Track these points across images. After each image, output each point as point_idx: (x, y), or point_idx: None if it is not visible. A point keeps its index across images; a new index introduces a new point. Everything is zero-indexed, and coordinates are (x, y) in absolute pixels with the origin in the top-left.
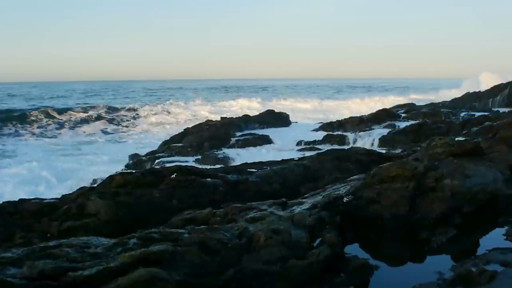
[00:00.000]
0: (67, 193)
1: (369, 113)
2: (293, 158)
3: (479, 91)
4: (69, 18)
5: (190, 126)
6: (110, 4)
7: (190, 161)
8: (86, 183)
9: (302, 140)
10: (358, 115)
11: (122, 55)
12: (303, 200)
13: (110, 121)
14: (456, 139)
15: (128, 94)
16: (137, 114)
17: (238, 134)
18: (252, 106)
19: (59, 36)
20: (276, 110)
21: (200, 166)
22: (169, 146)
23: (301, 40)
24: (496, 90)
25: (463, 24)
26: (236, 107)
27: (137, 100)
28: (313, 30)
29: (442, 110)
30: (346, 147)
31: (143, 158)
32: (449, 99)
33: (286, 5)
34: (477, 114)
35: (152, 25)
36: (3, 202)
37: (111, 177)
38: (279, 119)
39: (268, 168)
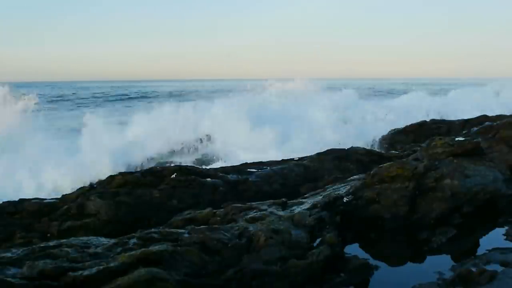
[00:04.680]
0: (67, 193)
1: None
2: (293, 158)
3: None
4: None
5: None
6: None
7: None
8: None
9: None
10: None
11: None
12: (303, 200)
13: None
14: (456, 139)
15: None
16: None
17: None
18: None
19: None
20: None
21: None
22: None
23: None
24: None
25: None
26: None
27: None
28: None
29: None
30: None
31: None
32: None
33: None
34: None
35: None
36: (3, 202)
37: (111, 177)
38: None
39: (268, 168)
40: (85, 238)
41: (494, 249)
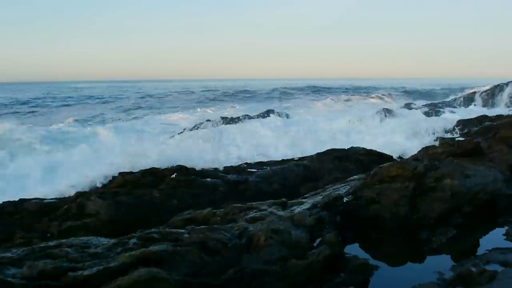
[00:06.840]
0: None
1: None
2: (293, 158)
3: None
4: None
5: None
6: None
7: None
8: None
9: None
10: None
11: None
12: (303, 200)
13: None
14: (456, 139)
15: None
16: None
17: None
18: None
19: None
20: None
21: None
22: None
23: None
24: (495, 89)
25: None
26: None
27: None
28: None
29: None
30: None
31: None
32: None
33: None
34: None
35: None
36: (3, 202)
37: (111, 177)
38: None
39: (268, 168)
40: (85, 238)
41: (494, 249)
